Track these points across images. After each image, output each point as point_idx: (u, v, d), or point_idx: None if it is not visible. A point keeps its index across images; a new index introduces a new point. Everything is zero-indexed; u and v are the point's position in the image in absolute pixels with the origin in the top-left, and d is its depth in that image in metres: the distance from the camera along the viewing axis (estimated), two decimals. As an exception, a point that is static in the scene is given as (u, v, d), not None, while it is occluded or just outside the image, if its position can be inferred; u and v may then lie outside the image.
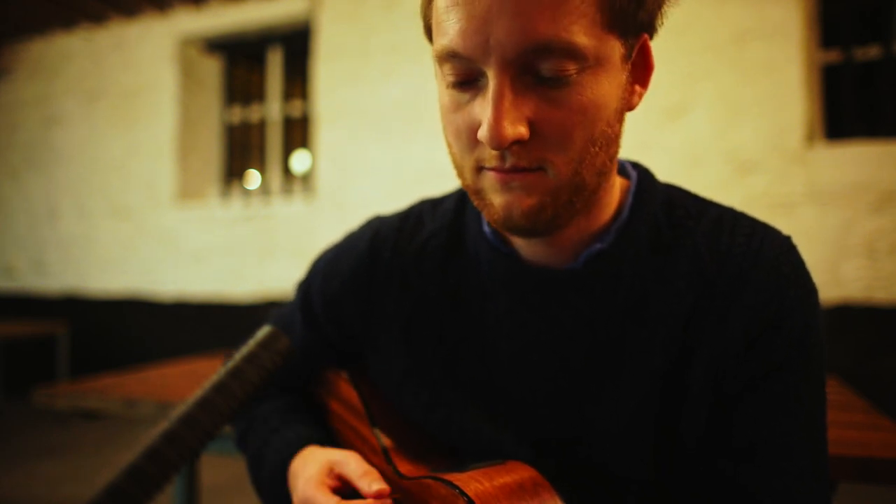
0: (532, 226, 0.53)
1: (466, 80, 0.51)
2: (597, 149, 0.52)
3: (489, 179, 0.53)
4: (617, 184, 0.61)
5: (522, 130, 0.49)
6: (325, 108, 4.17)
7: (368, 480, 0.58)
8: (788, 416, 0.54)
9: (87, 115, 4.90)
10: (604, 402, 0.58)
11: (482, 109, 0.50)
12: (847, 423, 1.00)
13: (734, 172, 3.23)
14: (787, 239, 0.58)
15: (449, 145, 0.56)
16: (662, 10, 0.54)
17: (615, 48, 0.51)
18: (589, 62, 0.49)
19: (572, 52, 0.47)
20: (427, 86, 3.87)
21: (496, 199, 0.53)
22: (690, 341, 0.56)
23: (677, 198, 0.63)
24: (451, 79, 0.52)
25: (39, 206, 5.06)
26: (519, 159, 0.51)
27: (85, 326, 4.76)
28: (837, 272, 3.06)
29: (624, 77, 0.53)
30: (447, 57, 0.51)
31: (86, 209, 4.88)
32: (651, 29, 0.54)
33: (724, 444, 0.55)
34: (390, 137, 3.98)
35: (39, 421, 4.03)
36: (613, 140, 0.54)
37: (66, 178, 4.96)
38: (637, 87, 0.56)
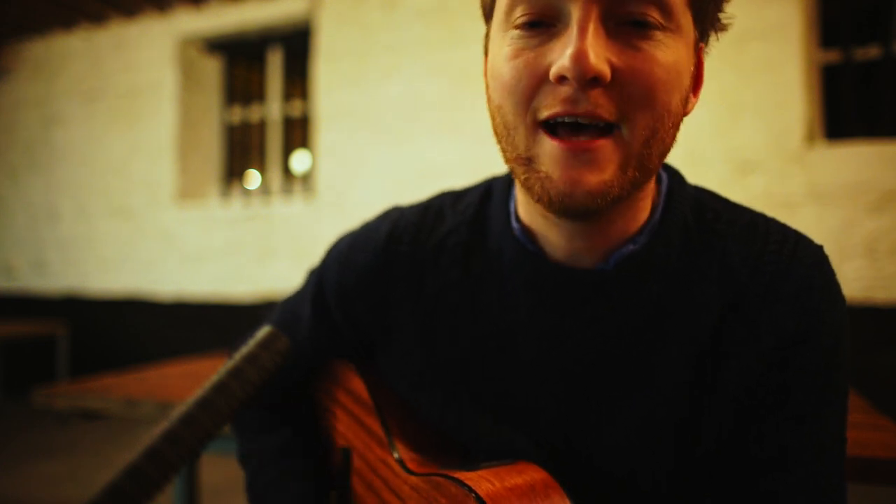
0: (595, 206, 0.48)
1: (541, 19, 0.48)
2: (669, 124, 0.50)
3: (548, 148, 0.48)
4: (652, 185, 0.59)
5: (606, 69, 0.45)
6: (325, 108, 4.17)
7: None
8: (813, 431, 0.53)
9: (87, 115, 4.90)
10: (625, 411, 0.56)
11: (561, 45, 0.47)
12: (847, 423, 1.00)
13: (734, 172, 3.23)
14: (819, 248, 0.57)
15: (497, 108, 0.52)
16: (717, 29, 0.55)
17: (690, 28, 0.50)
18: (672, 24, 0.48)
19: (661, 2, 0.47)
20: (427, 86, 3.87)
21: (556, 171, 0.48)
22: (717, 352, 0.55)
23: (707, 201, 0.61)
24: (522, 19, 0.49)
25: (39, 206, 5.06)
26: (598, 106, 0.46)
27: (85, 326, 4.76)
28: (838, 272, 3.03)
29: (692, 64, 0.52)
30: None
31: (86, 209, 4.88)
32: (707, 40, 0.55)
33: (752, 456, 0.53)
34: (390, 137, 3.98)
35: (39, 421, 4.03)
36: (678, 126, 0.52)
37: (66, 178, 4.96)
38: (691, 94, 0.54)
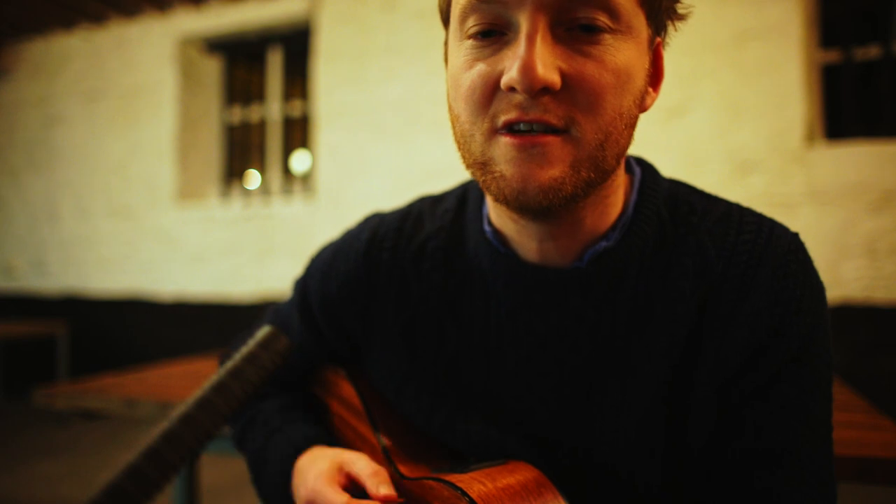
0: (549, 203, 0.49)
1: (492, 29, 0.49)
2: (622, 126, 0.50)
3: (502, 146, 0.49)
4: (622, 181, 0.59)
5: (555, 77, 0.46)
6: (325, 108, 4.16)
7: (377, 482, 0.58)
8: (798, 419, 0.53)
9: (87, 115, 4.89)
10: (609, 406, 0.57)
11: (511, 54, 0.47)
12: (847, 423, 1.00)
13: (734, 172, 3.23)
14: (795, 236, 0.57)
15: (455, 118, 0.53)
16: (675, 20, 0.56)
17: (642, 27, 0.51)
18: (621, 26, 0.48)
19: (609, 6, 0.47)
20: (427, 86, 3.87)
21: (509, 169, 0.49)
22: (696, 343, 0.55)
23: (682, 193, 0.61)
24: (474, 29, 0.50)
25: (39, 206, 5.05)
26: (546, 112, 0.47)
27: (85, 326, 4.76)
28: (837, 272, 3.05)
29: (647, 62, 0.53)
30: (476, 5, 0.49)
31: (86, 209, 4.88)
32: (664, 33, 0.56)
33: (737, 448, 0.53)
34: (390, 137, 3.98)
35: (39, 421, 4.02)
36: (633, 125, 0.53)
37: (66, 178, 4.95)
38: (650, 90, 0.55)
